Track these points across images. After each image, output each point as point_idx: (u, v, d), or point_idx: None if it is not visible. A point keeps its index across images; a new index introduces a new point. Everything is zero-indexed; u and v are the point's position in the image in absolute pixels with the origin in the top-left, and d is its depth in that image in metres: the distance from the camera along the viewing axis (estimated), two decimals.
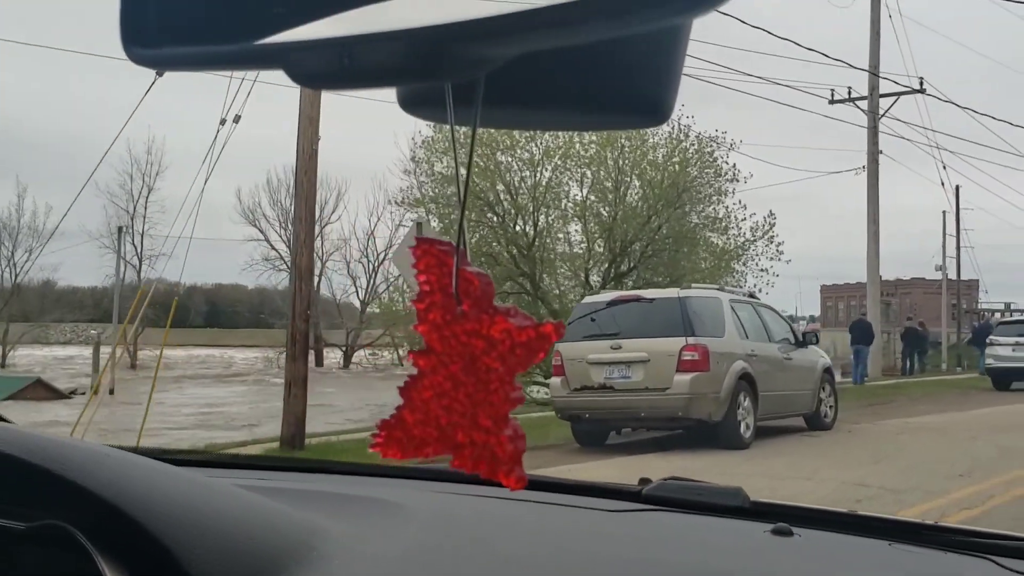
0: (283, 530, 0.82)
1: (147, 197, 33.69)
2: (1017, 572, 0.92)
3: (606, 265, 19.35)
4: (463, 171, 0.52)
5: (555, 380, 10.18)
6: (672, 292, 10.43)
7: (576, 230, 19.51)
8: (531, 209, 19.27)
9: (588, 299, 11.46)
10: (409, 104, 0.50)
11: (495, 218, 19.14)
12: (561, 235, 19.62)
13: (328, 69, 0.44)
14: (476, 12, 0.41)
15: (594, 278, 19.56)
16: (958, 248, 37.85)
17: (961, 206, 37.10)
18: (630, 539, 1.03)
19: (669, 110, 0.48)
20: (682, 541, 1.05)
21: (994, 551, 0.97)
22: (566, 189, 19.56)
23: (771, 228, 20.03)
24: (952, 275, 38.54)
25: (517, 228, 19.41)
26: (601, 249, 19.67)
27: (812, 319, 31.93)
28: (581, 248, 19.42)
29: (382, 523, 0.97)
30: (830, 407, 11.69)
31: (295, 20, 0.44)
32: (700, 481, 1.21)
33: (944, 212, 37.44)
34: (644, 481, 1.20)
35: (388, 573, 0.84)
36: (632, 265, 19.25)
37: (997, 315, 36.86)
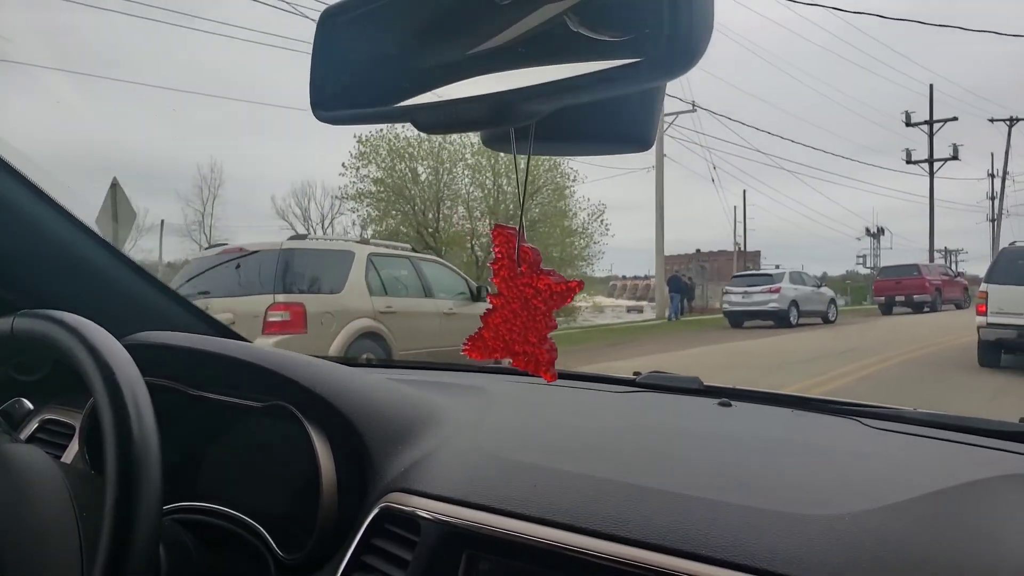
0: (415, 406, 1.17)
1: (212, 201, 43.04)
2: (874, 428, 1.21)
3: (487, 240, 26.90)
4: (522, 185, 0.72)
5: None
6: (274, 244, 8.10)
7: (465, 214, 27.12)
8: (435, 200, 26.75)
9: (204, 252, 8.89)
10: (489, 140, 0.71)
11: (408, 207, 26.48)
12: (464, 222, 27.06)
13: (438, 121, 0.64)
14: (529, 82, 0.61)
15: (478, 252, 27.24)
16: (744, 230, 50.03)
17: (749, 202, 49.68)
18: (630, 409, 1.35)
19: (652, 139, 0.69)
20: (662, 410, 1.37)
21: (858, 414, 1.29)
22: (459, 187, 27.09)
23: (602, 213, 28.36)
24: (743, 247, 51.03)
25: (428, 215, 26.81)
26: (485, 228, 27.30)
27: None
28: (467, 228, 27.01)
29: (473, 400, 1.31)
30: None
31: (417, 90, 0.66)
32: (671, 373, 1.60)
33: (735, 207, 50.28)
34: (636, 373, 1.59)
35: (478, 431, 1.12)
36: None
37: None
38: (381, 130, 25.71)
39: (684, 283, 30.78)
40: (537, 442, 1.09)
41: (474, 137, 0.77)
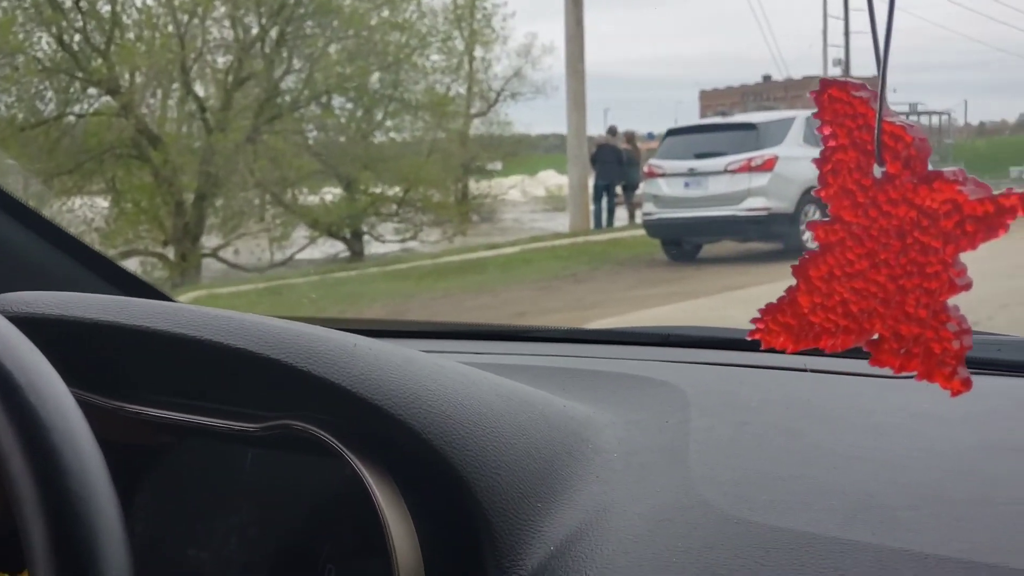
0: (553, 421, 0.75)
1: None
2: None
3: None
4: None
5: None
6: None
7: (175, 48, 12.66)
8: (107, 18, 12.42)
9: None
10: None
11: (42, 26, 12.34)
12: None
13: None
14: None
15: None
16: (847, 32, 29.89)
17: None
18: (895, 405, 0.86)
19: None
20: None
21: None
22: None
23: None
24: (845, 66, 31.00)
25: (92, 53, 12.66)
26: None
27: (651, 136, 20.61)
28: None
29: (653, 407, 0.84)
30: None
31: None
32: None
33: None
34: None
35: (682, 470, 0.71)
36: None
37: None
38: None
39: (616, 151, 14.66)
40: (791, 486, 0.69)
41: None
